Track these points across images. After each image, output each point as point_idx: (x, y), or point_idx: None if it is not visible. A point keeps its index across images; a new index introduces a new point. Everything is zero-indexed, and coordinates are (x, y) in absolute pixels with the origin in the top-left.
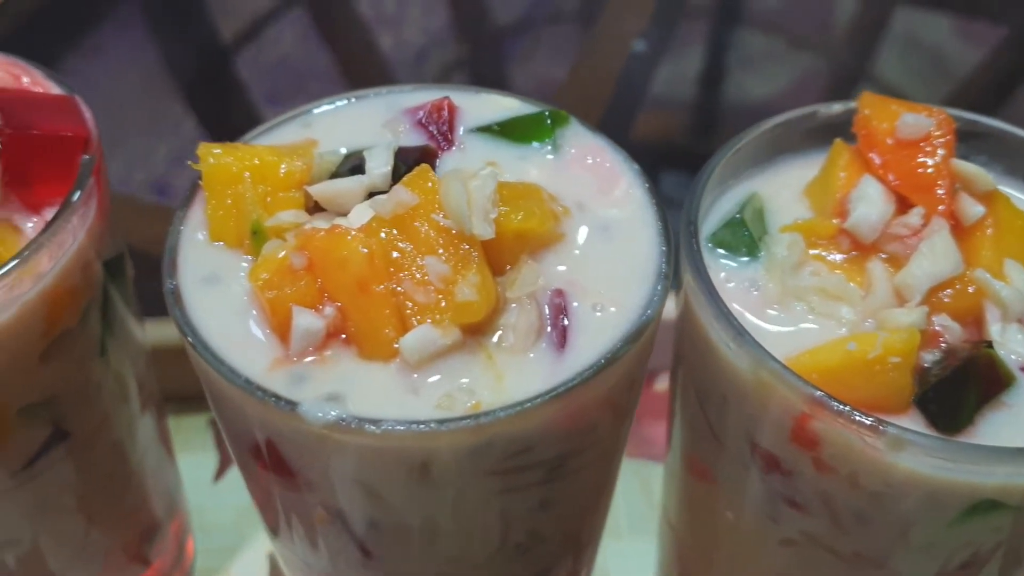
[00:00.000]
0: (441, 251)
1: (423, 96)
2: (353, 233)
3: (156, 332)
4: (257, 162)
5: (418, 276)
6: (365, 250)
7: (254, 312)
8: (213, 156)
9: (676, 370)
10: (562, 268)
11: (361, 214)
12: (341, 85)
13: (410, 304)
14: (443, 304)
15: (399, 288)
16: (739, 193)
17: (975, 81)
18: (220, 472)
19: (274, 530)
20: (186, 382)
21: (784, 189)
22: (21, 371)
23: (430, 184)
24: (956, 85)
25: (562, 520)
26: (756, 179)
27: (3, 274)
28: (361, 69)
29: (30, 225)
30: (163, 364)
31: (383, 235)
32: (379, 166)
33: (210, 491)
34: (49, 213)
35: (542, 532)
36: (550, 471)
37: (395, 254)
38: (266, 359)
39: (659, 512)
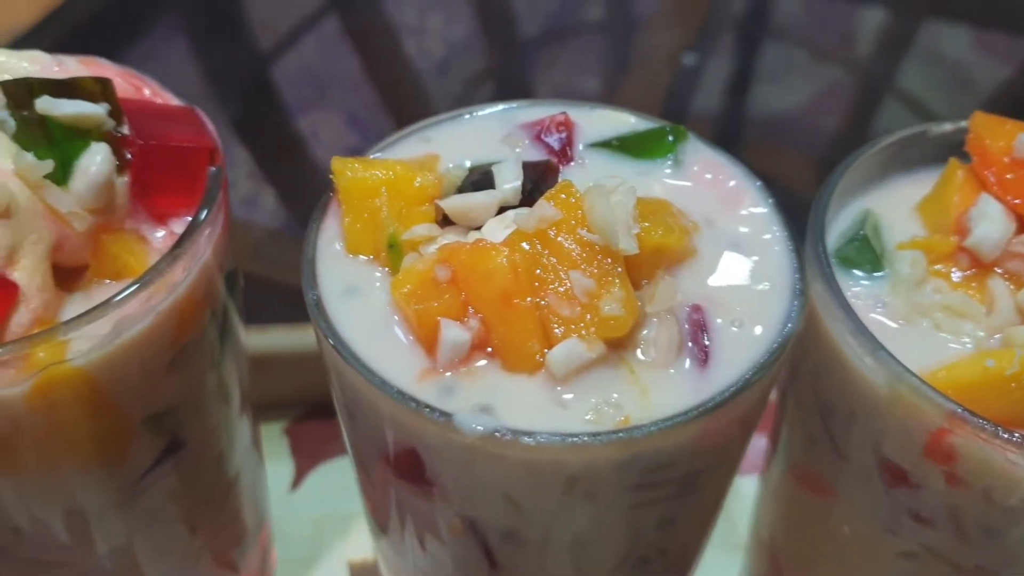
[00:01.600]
0: (585, 265)
1: (538, 112)
2: (497, 247)
3: None
4: (392, 176)
5: (562, 290)
6: (508, 263)
7: (396, 323)
8: (351, 170)
9: (790, 384)
10: (696, 284)
11: (494, 228)
12: (372, 95)
13: (554, 317)
14: (588, 318)
15: (543, 301)
16: (852, 211)
17: (999, 95)
18: (296, 481)
19: (390, 538)
20: (263, 391)
21: (897, 207)
22: (149, 381)
23: (573, 199)
24: (980, 99)
25: (683, 535)
26: (868, 197)
27: (141, 285)
28: (392, 79)
29: (159, 235)
30: None
31: (528, 249)
32: (509, 180)
33: (287, 501)
34: (175, 224)
35: (664, 546)
36: (683, 486)
37: (538, 268)
38: (414, 370)
39: (747, 526)
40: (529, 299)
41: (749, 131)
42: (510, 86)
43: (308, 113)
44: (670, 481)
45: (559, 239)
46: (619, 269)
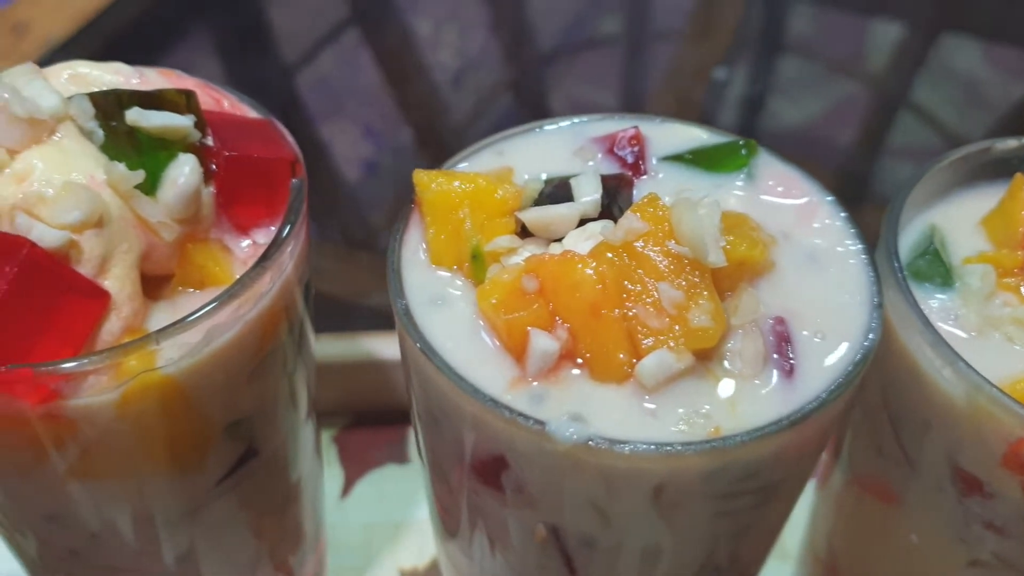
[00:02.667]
0: (674, 277)
1: (608, 125)
2: (584, 259)
3: None
4: (475, 189)
5: (650, 301)
6: (596, 275)
7: (483, 332)
8: (436, 183)
9: (857, 395)
10: (776, 296)
11: (576, 239)
12: (389, 107)
13: (643, 328)
14: (677, 329)
15: (630, 312)
16: (918, 225)
17: (1014, 111)
18: (346, 490)
19: (459, 543)
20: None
21: (961, 221)
22: (232, 389)
23: (660, 212)
24: (994, 114)
25: (755, 544)
26: (933, 211)
27: (232, 294)
28: (409, 91)
29: (242, 245)
30: None
31: (615, 261)
32: (589, 193)
33: (337, 509)
34: (257, 234)
35: (739, 555)
36: (762, 496)
37: (626, 280)
38: (503, 379)
39: (797, 536)
40: (617, 310)
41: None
42: (525, 99)
43: (325, 123)
44: (752, 491)
45: (647, 251)
46: (707, 281)
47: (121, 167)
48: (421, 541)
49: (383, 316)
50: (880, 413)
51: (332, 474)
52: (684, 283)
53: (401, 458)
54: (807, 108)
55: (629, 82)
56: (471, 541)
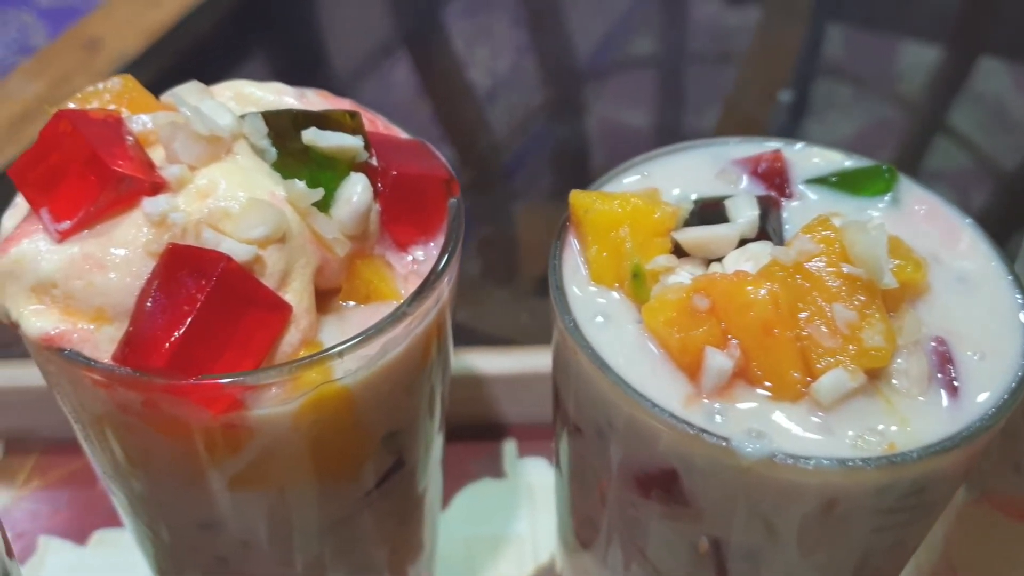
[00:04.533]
0: (847, 298)
1: (749, 148)
2: (756, 279)
3: None
4: (633, 209)
5: (823, 321)
6: (769, 295)
7: (650, 350)
8: (598, 203)
9: None
10: (933, 316)
11: (736, 260)
12: (435, 125)
13: (816, 348)
14: (852, 349)
15: (804, 332)
16: None
17: None
18: (445, 502)
19: (594, 554)
20: None
21: None
22: (394, 401)
23: (832, 234)
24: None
25: (901, 558)
26: None
27: (407, 309)
28: (452, 110)
29: (403, 261)
30: None
31: (787, 281)
32: (746, 214)
33: (440, 521)
34: (415, 251)
35: (884, 569)
36: (919, 512)
37: (799, 300)
38: (677, 395)
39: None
40: (789, 330)
41: None
42: (559, 118)
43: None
44: (911, 507)
45: (817, 272)
46: (878, 302)
47: (301, 185)
48: (520, 554)
49: (470, 331)
50: (1020, 430)
51: None
52: (857, 303)
53: (497, 473)
54: (839, 130)
55: (664, 104)
56: (607, 553)
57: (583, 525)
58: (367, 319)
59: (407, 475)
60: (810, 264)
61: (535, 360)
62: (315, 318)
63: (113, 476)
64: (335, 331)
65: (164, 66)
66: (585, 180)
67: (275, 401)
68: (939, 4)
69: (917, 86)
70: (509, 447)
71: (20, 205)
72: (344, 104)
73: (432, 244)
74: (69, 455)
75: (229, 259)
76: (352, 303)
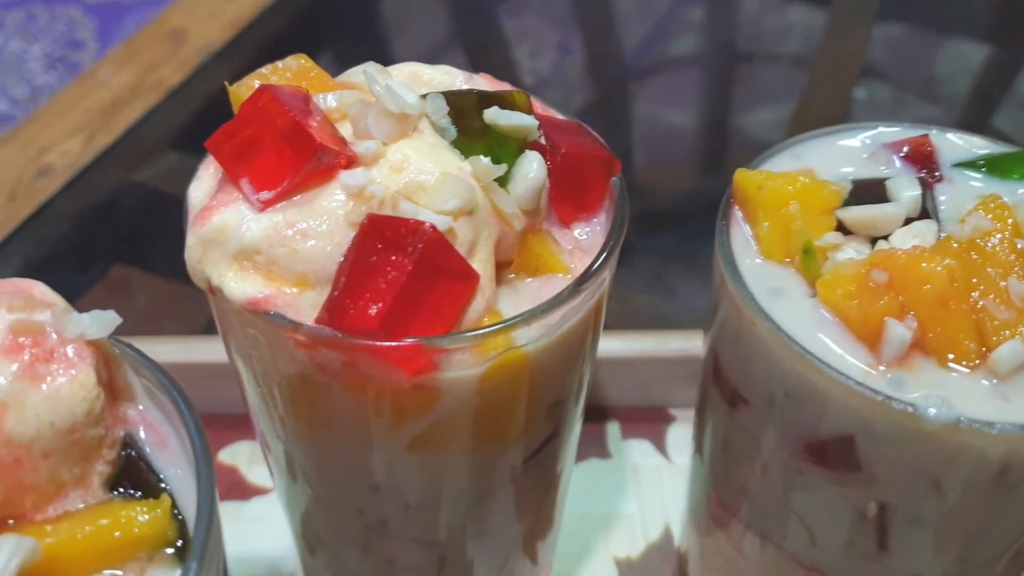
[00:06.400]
0: (1022, 272)
1: (897, 133)
2: (932, 254)
3: None
4: (803, 187)
5: (998, 294)
6: (944, 270)
7: (825, 321)
8: (771, 180)
9: None
10: None
11: (903, 237)
12: None
13: (992, 320)
14: None
15: (979, 304)
16: None
17: None
18: None
19: (733, 535)
20: None
21: None
22: (563, 370)
23: (1005, 211)
24: None
25: None
26: None
27: (587, 280)
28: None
29: (571, 235)
30: None
31: (962, 256)
32: (907, 194)
33: None
34: (576, 227)
35: None
36: None
37: (973, 275)
38: (857, 364)
39: None
40: (965, 303)
41: None
42: (601, 117)
43: None
44: None
45: (992, 248)
46: None
47: (486, 160)
48: (631, 532)
49: None
50: None
51: None
52: None
53: (603, 453)
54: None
55: (705, 103)
56: (756, 523)
57: (720, 505)
58: (538, 291)
59: (556, 447)
60: (984, 240)
61: (640, 344)
62: (495, 288)
63: (290, 439)
64: (509, 301)
65: (248, 58)
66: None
67: (463, 365)
68: (981, 4)
69: (963, 88)
70: (613, 429)
71: (204, 178)
72: (506, 87)
73: (594, 220)
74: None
75: (434, 228)
76: (525, 277)
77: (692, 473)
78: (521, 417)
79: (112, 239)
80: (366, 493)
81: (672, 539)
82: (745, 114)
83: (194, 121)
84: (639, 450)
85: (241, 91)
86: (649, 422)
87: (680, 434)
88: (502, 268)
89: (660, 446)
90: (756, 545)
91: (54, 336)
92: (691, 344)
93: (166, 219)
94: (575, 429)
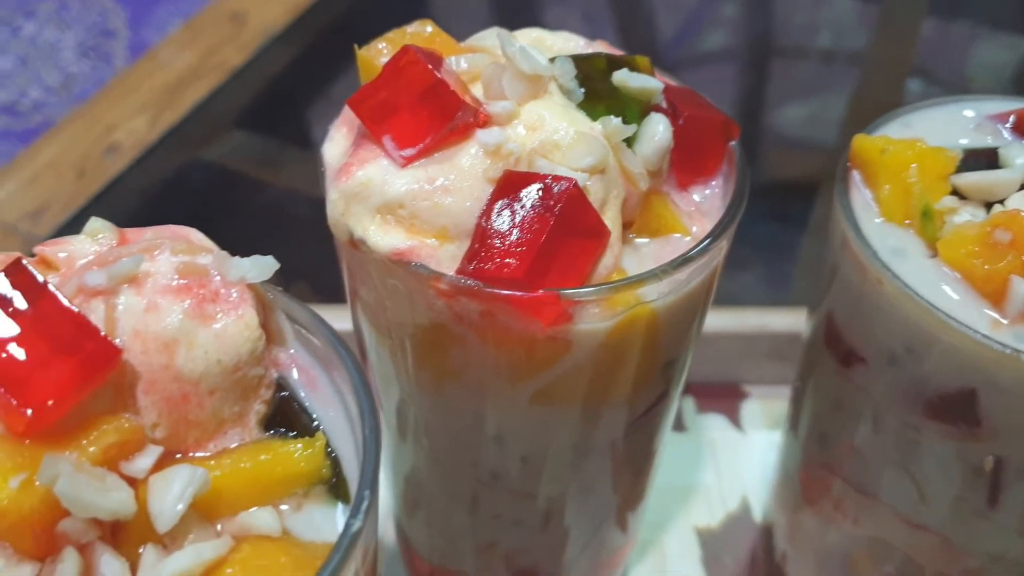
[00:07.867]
0: None
1: (1001, 105)
2: None
3: None
4: (920, 153)
5: None
6: None
7: (947, 280)
8: (892, 145)
9: None
10: None
11: (1019, 201)
12: None
13: None
14: None
15: None
16: None
17: None
18: None
19: (824, 508)
20: None
21: None
22: (681, 330)
23: None
24: None
25: None
26: None
27: (714, 240)
28: None
29: (690, 198)
30: None
31: None
32: (1022, 160)
33: None
34: (693, 190)
35: None
36: None
37: None
38: (982, 320)
39: None
40: None
41: None
42: None
43: None
44: None
45: None
46: None
47: (617, 121)
48: (710, 503)
49: None
50: None
51: None
52: None
53: (679, 427)
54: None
55: (740, 97)
56: (850, 494)
57: (837, 459)
58: (658, 251)
59: (662, 410)
60: None
61: (719, 321)
62: (622, 246)
63: (413, 393)
64: (632, 260)
65: (307, 42)
66: None
67: (595, 318)
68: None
69: (991, 83)
70: (688, 403)
71: (336, 139)
72: (617, 53)
73: (712, 183)
74: None
75: (575, 183)
76: (644, 237)
77: (783, 450)
78: (640, 373)
79: (180, 216)
80: (484, 445)
81: (750, 509)
82: (777, 109)
83: (257, 101)
84: (715, 424)
85: (370, 54)
86: (722, 398)
87: (754, 409)
88: (624, 228)
89: (735, 420)
90: (859, 507)
91: (218, 278)
92: (769, 320)
93: (232, 196)
94: (677, 396)
